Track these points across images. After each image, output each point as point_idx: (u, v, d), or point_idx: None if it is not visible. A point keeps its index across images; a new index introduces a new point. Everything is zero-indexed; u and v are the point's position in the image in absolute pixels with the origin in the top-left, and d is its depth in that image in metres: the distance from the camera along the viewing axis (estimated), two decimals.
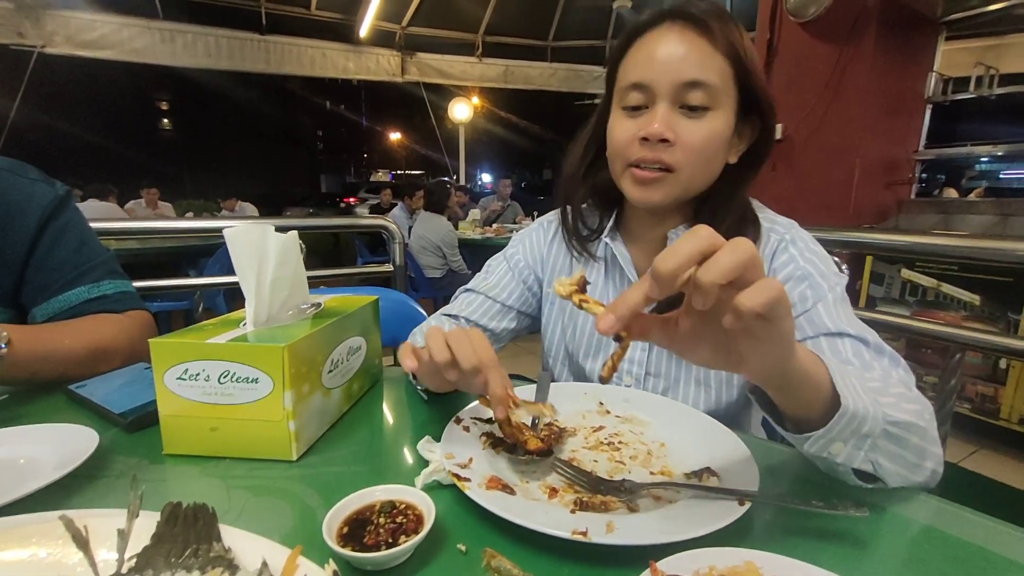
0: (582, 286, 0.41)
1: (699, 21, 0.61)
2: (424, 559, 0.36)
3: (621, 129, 0.65)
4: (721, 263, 0.31)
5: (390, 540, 0.35)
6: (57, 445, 0.48)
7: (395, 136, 24.94)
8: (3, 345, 0.57)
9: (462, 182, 7.41)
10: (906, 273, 2.43)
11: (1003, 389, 2.21)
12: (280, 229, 0.55)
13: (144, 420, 0.54)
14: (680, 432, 0.55)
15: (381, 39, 6.08)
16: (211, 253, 3.45)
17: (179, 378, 0.48)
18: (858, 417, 0.40)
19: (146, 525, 0.27)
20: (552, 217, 0.84)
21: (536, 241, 0.84)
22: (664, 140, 0.61)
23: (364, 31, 5.71)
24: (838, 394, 0.39)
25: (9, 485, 0.39)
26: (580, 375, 0.77)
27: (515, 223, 5.23)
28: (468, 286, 0.84)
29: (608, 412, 0.60)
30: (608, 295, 0.75)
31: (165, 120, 20.74)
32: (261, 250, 0.53)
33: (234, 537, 0.27)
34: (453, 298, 0.85)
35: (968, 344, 1.15)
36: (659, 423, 0.57)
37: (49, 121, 12.57)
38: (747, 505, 0.39)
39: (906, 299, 2.47)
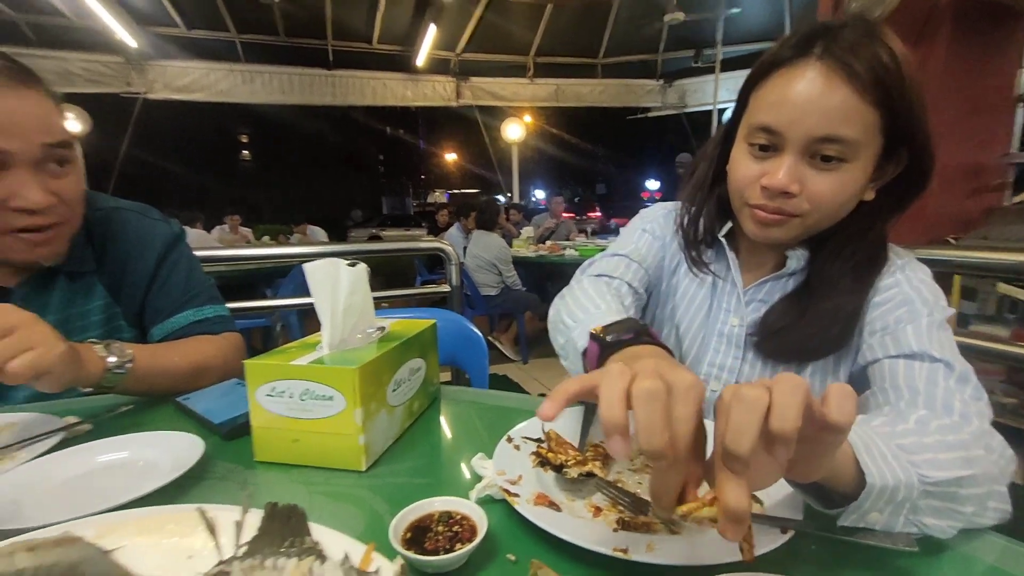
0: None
1: (844, 64, 0.53)
2: (477, 566, 0.40)
3: (744, 168, 0.62)
4: (791, 410, 0.29)
5: (447, 547, 0.39)
6: (169, 450, 0.56)
7: (451, 157, 25.84)
8: (128, 362, 0.68)
9: (516, 200, 7.55)
10: (1003, 287, 2.22)
11: None
12: (348, 253, 0.62)
13: (238, 430, 0.62)
14: None
15: (437, 66, 6.40)
16: (285, 274, 3.74)
17: (268, 395, 0.55)
18: (888, 488, 0.39)
19: (250, 520, 0.33)
20: (680, 209, 0.79)
21: (667, 224, 0.80)
22: (788, 192, 0.57)
23: (421, 60, 6.03)
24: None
25: (133, 483, 0.47)
26: None
27: (568, 240, 5.25)
28: (609, 251, 0.80)
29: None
30: (711, 310, 0.74)
31: (245, 152, 22.70)
32: (335, 282, 0.60)
33: (320, 533, 0.33)
34: (588, 263, 0.80)
35: None
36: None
37: (148, 158, 14.15)
38: (789, 534, 0.40)
39: (1004, 316, 2.25)
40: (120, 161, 5.96)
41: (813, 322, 0.63)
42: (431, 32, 5.38)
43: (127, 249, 0.84)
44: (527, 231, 5.05)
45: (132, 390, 0.71)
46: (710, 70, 5.89)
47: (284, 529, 0.31)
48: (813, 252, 0.66)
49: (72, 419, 0.64)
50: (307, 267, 0.60)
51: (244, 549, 0.30)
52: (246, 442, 0.58)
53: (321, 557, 0.29)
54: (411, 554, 0.37)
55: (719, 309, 0.73)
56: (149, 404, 0.73)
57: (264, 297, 3.78)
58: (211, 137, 20.31)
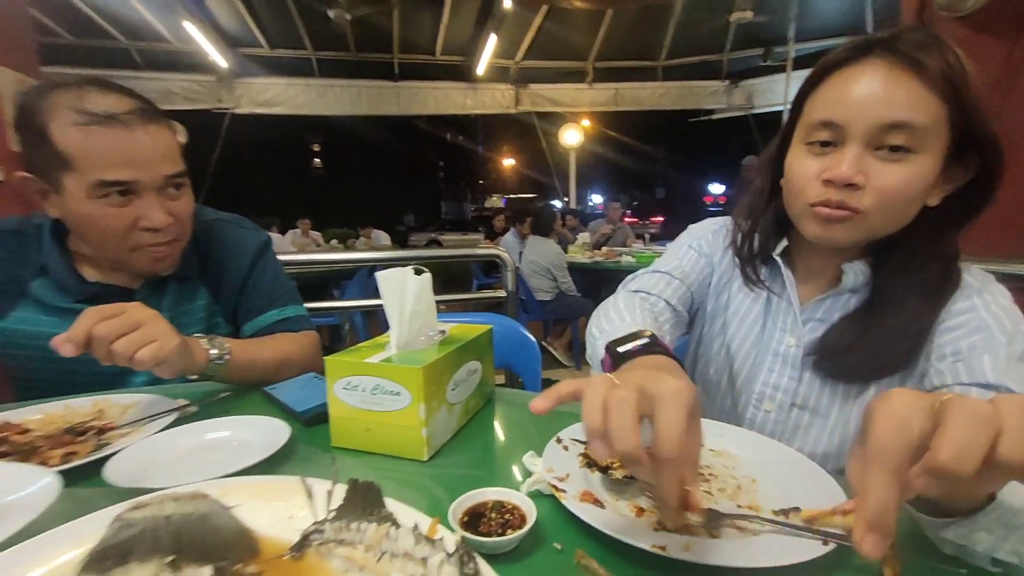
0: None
1: (910, 58, 0.53)
2: (526, 551, 0.44)
3: (803, 168, 0.60)
4: (972, 447, 0.26)
5: (499, 532, 0.43)
6: (262, 432, 0.64)
7: (508, 162, 26.19)
8: (227, 354, 0.78)
9: (572, 205, 7.54)
10: None
11: None
12: (409, 259, 0.68)
13: (317, 418, 0.69)
14: (774, 470, 0.56)
15: (496, 75, 6.55)
16: (352, 276, 3.98)
17: (344, 388, 0.62)
18: (1012, 510, 0.37)
19: (336, 492, 0.39)
20: (732, 225, 0.79)
21: (716, 241, 0.80)
22: (852, 184, 0.55)
23: (481, 69, 6.19)
24: None
25: (231, 459, 0.55)
26: (734, 401, 0.76)
27: (624, 246, 5.19)
28: (651, 268, 0.80)
29: (701, 445, 0.62)
30: (765, 328, 0.73)
31: (317, 160, 24.18)
32: (403, 289, 0.67)
33: (393, 505, 0.38)
34: (630, 277, 0.80)
35: None
36: (753, 460, 0.59)
37: (232, 167, 15.44)
38: (831, 546, 0.41)
39: None
40: (211, 171, 6.57)
41: (879, 339, 0.62)
42: (491, 42, 5.52)
43: (224, 256, 0.96)
44: (583, 236, 5.04)
45: (228, 379, 0.81)
46: (780, 69, 5.62)
47: (364, 500, 0.37)
48: (876, 268, 0.65)
49: (183, 401, 0.75)
50: (379, 276, 0.67)
51: (333, 514, 0.36)
52: (324, 429, 0.65)
53: (395, 524, 0.35)
54: (468, 534, 0.42)
55: (774, 328, 0.73)
56: (242, 392, 0.84)
57: (332, 297, 4.03)
58: (286, 147, 21.87)
